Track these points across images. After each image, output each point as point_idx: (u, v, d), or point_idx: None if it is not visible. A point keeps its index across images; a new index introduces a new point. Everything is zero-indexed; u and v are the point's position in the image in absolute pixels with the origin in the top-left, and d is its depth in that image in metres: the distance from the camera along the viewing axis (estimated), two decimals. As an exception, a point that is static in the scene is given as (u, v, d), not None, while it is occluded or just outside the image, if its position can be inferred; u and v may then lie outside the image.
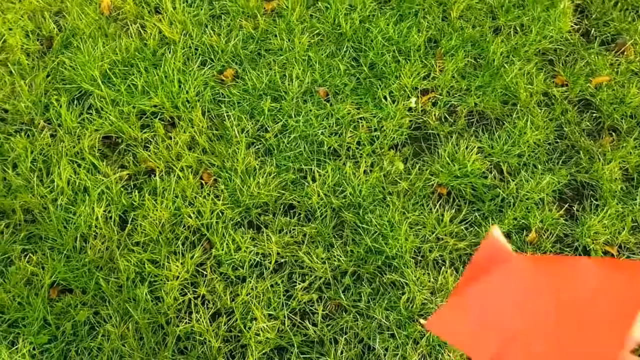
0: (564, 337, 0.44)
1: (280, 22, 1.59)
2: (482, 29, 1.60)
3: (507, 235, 1.34)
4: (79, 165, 1.38)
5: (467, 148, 1.43)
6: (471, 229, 1.34)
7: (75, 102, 1.47)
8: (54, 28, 1.59)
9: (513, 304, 0.49)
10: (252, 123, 1.44)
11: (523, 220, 1.36)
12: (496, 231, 0.51)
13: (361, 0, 1.60)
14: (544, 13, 1.63)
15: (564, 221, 1.36)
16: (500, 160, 1.43)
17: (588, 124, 1.50)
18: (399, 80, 1.50)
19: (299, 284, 1.26)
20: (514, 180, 1.40)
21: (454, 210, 1.36)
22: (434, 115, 1.48)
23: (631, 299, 0.43)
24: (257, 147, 1.41)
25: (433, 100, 1.50)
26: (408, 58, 1.54)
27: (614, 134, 1.49)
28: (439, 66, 1.54)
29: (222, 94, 1.48)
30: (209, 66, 1.52)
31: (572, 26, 1.64)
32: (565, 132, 1.49)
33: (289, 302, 1.25)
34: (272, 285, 1.26)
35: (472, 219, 1.35)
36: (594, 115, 1.51)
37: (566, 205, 1.39)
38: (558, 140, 1.48)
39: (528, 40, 1.59)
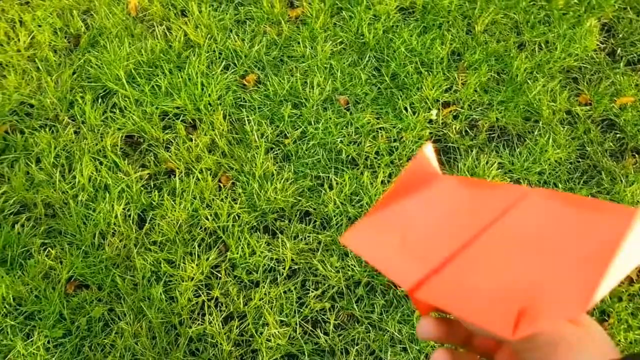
0: (511, 276, 0.36)
1: (303, 29, 1.59)
2: (507, 44, 1.59)
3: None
4: (101, 163, 1.40)
5: (487, 163, 1.42)
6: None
7: (99, 100, 1.49)
8: (81, 26, 1.61)
9: (443, 227, 0.42)
10: (272, 128, 1.45)
11: (540, 238, 1.34)
12: (428, 149, 0.45)
13: (385, 11, 1.61)
14: (570, 30, 1.62)
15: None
16: (521, 177, 1.42)
17: (611, 144, 1.48)
18: (420, 92, 1.50)
19: (312, 291, 1.27)
20: (532, 197, 1.39)
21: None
22: (455, 128, 1.47)
23: (602, 245, 0.35)
24: (275, 152, 1.42)
25: (454, 114, 1.50)
26: (430, 70, 1.54)
27: (637, 155, 1.47)
28: (462, 79, 1.54)
29: (244, 98, 1.49)
30: (232, 70, 1.53)
31: (598, 45, 1.63)
32: (587, 151, 1.47)
33: (302, 310, 1.25)
34: (285, 292, 1.26)
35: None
36: (618, 135, 1.50)
37: (584, 225, 1.37)
38: (580, 160, 1.47)
39: (553, 57, 1.58)
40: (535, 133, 1.48)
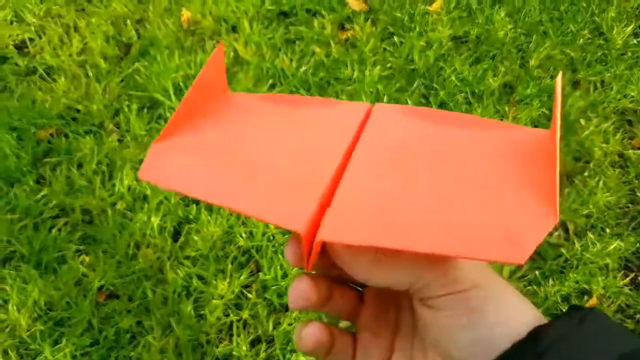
0: (448, 198, 0.29)
1: (352, 52, 1.58)
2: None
3: (566, 299, 1.28)
4: (141, 173, 1.40)
5: (532, 201, 1.37)
6: (530, 287, 1.28)
7: (145, 110, 1.50)
8: (133, 35, 1.63)
9: (293, 152, 0.33)
10: (315, 150, 1.43)
11: (585, 285, 1.29)
12: (220, 50, 0.36)
13: (438, 38, 1.58)
14: (627, 71, 1.57)
15: (628, 290, 1.29)
16: (567, 218, 1.37)
17: (664, 191, 1.42)
18: (468, 124, 1.47)
19: (343, 321, 1.23)
20: (579, 242, 1.34)
21: (514, 266, 1.30)
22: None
23: (531, 150, 0.30)
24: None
25: (502, 148, 1.46)
26: (481, 101, 1.50)
27: (691, 205, 1.41)
28: (512, 113, 1.50)
29: (288, 117, 1.48)
30: (278, 89, 1.52)
31: (655, 87, 1.57)
32: (637, 197, 1.42)
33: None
34: (316, 318, 1.23)
35: (531, 276, 1.29)
36: (672, 182, 1.44)
37: (632, 275, 1.32)
38: (629, 205, 1.41)
39: (608, 97, 1.53)
40: (585, 174, 1.43)
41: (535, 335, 0.28)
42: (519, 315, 0.30)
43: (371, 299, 0.37)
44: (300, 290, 0.32)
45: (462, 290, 0.29)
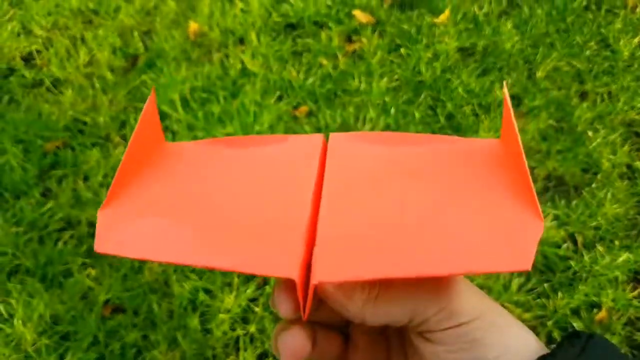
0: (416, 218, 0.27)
1: (360, 64, 1.58)
2: (568, 92, 1.54)
3: (576, 312, 1.26)
4: (148, 185, 1.39)
5: (542, 213, 1.36)
6: (538, 300, 1.27)
7: (151, 122, 1.49)
8: (141, 47, 1.63)
9: (261, 197, 0.30)
10: (322, 162, 1.42)
11: (594, 298, 1.28)
12: (152, 100, 0.33)
13: (445, 50, 1.58)
14: (634, 83, 1.57)
15: (637, 303, 1.28)
16: (576, 230, 1.36)
17: (674, 203, 1.41)
18: (476, 135, 1.46)
19: None
20: (588, 254, 1.33)
21: (522, 278, 1.29)
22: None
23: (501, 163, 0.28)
24: (323, 187, 1.39)
25: (510, 160, 1.45)
26: (488, 113, 1.50)
27: (702, 217, 1.40)
28: (520, 125, 1.49)
29: (295, 129, 1.48)
30: (285, 101, 1.52)
31: (663, 98, 1.57)
32: (647, 208, 1.41)
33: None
34: (323, 332, 1.22)
35: (540, 289, 1.28)
36: (682, 195, 1.43)
37: (641, 287, 1.30)
38: (638, 217, 1.40)
39: (615, 109, 1.52)
40: (593, 186, 1.42)
41: None
42: (521, 346, 0.29)
43: (358, 339, 0.34)
44: (296, 345, 0.29)
45: (463, 324, 0.28)
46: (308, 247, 0.28)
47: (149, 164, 0.33)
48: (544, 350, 0.29)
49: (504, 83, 0.34)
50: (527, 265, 0.24)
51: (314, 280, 0.26)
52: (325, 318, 0.32)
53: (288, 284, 0.28)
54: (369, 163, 0.31)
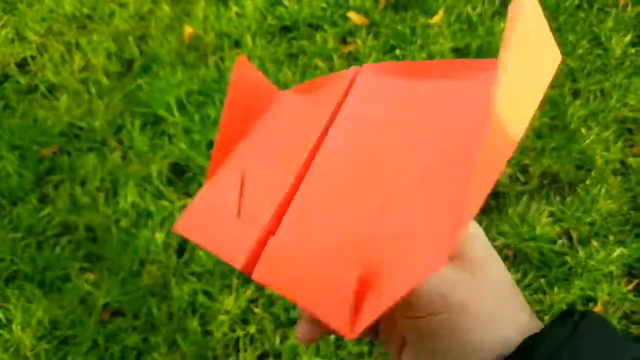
0: (354, 218, 0.25)
1: (355, 65, 1.59)
2: (562, 90, 1.56)
3: (572, 306, 1.27)
4: (145, 189, 1.39)
5: (537, 210, 1.37)
6: (535, 295, 1.28)
7: (148, 126, 1.50)
8: (136, 51, 1.63)
9: (276, 158, 0.30)
10: (318, 163, 1.43)
11: (590, 292, 1.29)
12: (243, 62, 0.31)
13: (439, 51, 1.59)
14: (626, 80, 1.58)
15: (632, 297, 1.29)
16: (571, 227, 1.37)
17: (667, 198, 1.43)
18: (471, 135, 1.47)
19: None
20: (583, 249, 1.34)
21: (519, 274, 1.30)
22: (506, 172, 1.43)
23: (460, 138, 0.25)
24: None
25: (505, 159, 1.46)
26: (482, 113, 1.51)
27: (695, 212, 1.41)
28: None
29: (291, 131, 1.48)
30: (281, 103, 1.52)
31: (655, 95, 1.58)
32: (639, 204, 1.42)
33: (338, 352, 1.21)
34: (323, 332, 1.22)
35: (537, 285, 1.29)
36: (675, 190, 1.44)
37: (636, 281, 1.31)
38: (631, 212, 1.41)
39: (608, 106, 1.54)
40: (587, 182, 1.43)
41: (525, 350, 0.27)
42: (487, 345, 0.27)
43: None
44: (304, 333, 0.31)
45: (421, 317, 0.28)
46: (269, 231, 0.27)
47: (250, 118, 0.33)
48: (532, 327, 0.28)
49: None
50: (348, 333, 0.22)
51: (253, 276, 0.26)
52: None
53: None
54: (377, 116, 0.29)
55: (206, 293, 1.27)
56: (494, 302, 0.28)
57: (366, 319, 0.21)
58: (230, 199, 0.29)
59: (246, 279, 1.29)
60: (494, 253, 0.31)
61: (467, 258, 0.29)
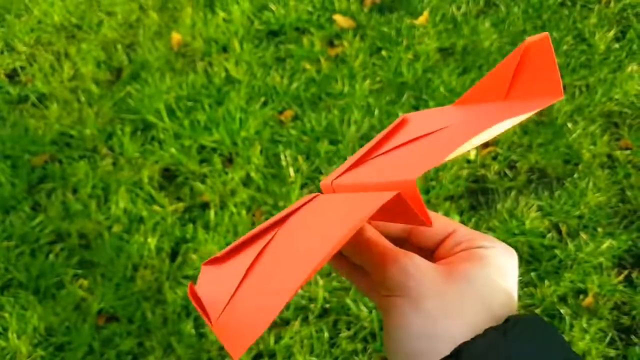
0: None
1: (342, 67, 1.60)
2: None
3: (563, 299, 1.29)
4: (137, 195, 1.40)
5: (526, 205, 1.39)
6: (526, 289, 1.29)
7: (138, 133, 1.51)
8: (124, 59, 1.65)
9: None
10: (308, 164, 1.44)
11: (580, 284, 1.30)
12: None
13: (425, 51, 1.61)
14: (611, 75, 1.60)
15: (622, 288, 1.30)
16: (560, 220, 1.39)
17: (654, 190, 1.44)
18: (458, 132, 1.48)
19: (344, 331, 1.24)
20: (572, 242, 1.35)
21: (509, 270, 1.31)
22: (493, 169, 1.45)
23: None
24: (310, 188, 1.41)
25: (493, 155, 1.48)
26: (469, 111, 1.52)
27: (682, 202, 1.43)
28: (501, 121, 1.52)
29: (280, 134, 1.49)
30: (270, 106, 1.54)
31: (638, 90, 1.60)
32: (627, 196, 1.43)
33: (333, 351, 1.22)
34: (316, 331, 1.24)
35: (527, 279, 1.31)
36: (661, 181, 1.46)
37: (625, 272, 1.33)
38: (619, 204, 1.43)
39: (593, 101, 1.56)
40: (575, 176, 1.45)
41: (458, 352, 0.28)
42: (447, 330, 0.29)
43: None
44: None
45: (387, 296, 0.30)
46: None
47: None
48: (475, 332, 0.29)
49: None
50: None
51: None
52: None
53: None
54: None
55: (200, 296, 1.27)
56: (458, 302, 0.30)
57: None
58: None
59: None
60: (484, 260, 0.32)
61: (452, 261, 0.31)
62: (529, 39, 0.31)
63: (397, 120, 0.39)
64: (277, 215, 0.36)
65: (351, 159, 0.37)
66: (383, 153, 0.35)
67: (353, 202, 0.30)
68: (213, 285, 0.34)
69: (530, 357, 0.27)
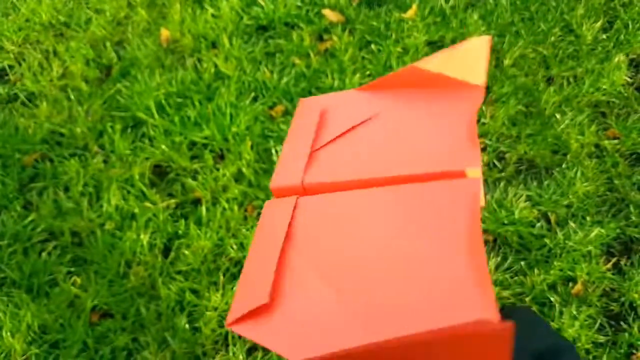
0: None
1: (332, 61, 1.61)
2: (535, 78, 1.59)
3: (553, 287, 1.30)
4: (128, 192, 1.40)
5: (515, 195, 1.40)
6: (516, 277, 1.31)
7: (128, 130, 1.51)
8: (113, 57, 1.64)
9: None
10: (299, 159, 1.45)
11: (569, 272, 1.32)
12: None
13: (414, 44, 1.62)
14: (598, 65, 1.62)
15: (611, 275, 1.32)
16: (548, 210, 1.40)
17: (639, 178, 1.46)
18: (448, 125, 1.50)
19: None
20: (561, 231, 1.37)
21: (499, 258, 1.33)
22: (483, 160, 1.46)
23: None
24: (302, 183, 1.42)
25: (482, 146, 1.49)
26: (458, 103, 1.53)
27: (669, 190, 1.44)
28: (490, 112, 1.53)
29: (271, 129, 1.50)
30: (260, 102, 1.54)
31: (626, 80, 1.61)
32: (615, 185, 1.45)
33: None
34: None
35: (517, 267, 1.32)
36: (648, 170, 1.47)
37: (614, 259, 1.34)
38: (608, 193, 1.44)
39: (581, 91, 1.57)
40: (563, 166, 1.46)
41: None
42: None
43: None
44: None
45: None
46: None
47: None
48: None
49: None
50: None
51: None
52: None
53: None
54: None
55: (193, 291, 1.28)
56: None
57: None
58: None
59: (232, 275, 1.31)
60: None
61: None
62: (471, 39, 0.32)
63: (301, 107, 0.38)
64: (268, 235, 0.36)
65: (289, 154, 0.36)
66: (327, 143, 0.35)
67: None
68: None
69: (522, 342, 0.28)
